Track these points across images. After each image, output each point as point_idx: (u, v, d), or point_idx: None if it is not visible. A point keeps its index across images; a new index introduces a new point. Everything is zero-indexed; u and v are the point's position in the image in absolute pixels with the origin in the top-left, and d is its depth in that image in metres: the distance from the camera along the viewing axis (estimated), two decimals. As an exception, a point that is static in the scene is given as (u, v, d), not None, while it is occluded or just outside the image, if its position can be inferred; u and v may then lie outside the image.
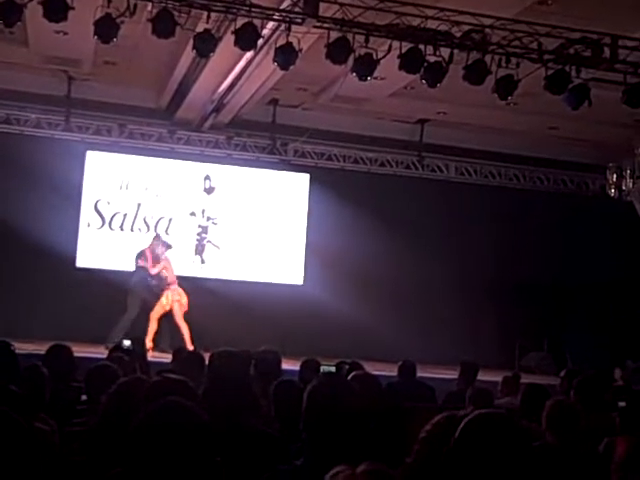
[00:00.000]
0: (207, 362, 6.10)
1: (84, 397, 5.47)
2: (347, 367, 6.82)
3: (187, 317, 13.40)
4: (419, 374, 8.72)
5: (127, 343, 8.07)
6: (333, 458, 2.60)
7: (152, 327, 13.03)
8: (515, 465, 2.54)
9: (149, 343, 12.12)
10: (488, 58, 9.85)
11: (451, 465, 2.56)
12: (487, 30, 9.64)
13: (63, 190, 14.24)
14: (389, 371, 8.89)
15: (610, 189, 15.50)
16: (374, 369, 6.96)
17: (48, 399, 4.39)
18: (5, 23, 9.00)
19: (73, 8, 8.61)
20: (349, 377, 4.97)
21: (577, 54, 9.98)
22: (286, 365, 7.31)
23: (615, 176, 15.42)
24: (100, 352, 7.72)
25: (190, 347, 12.02)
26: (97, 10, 8.87)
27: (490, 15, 9.47)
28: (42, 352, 6.48)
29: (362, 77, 9.84)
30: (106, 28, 8.99)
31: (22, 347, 6.94)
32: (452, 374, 9.13)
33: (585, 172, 16.58)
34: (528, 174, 16.48)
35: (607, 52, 10.06)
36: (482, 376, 8.75)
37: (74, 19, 8.78)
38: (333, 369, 6.74)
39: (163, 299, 13.27)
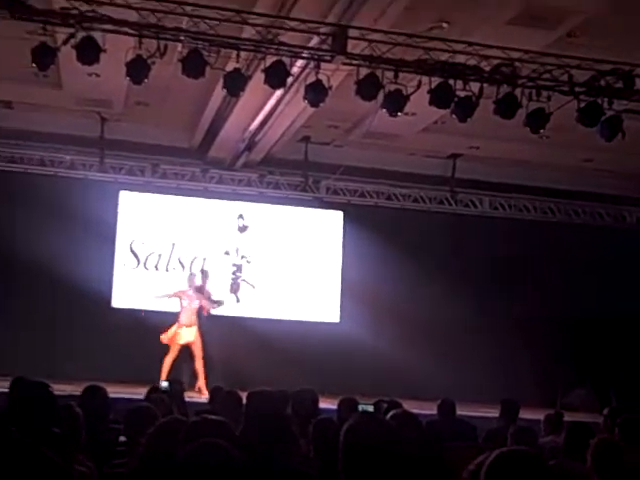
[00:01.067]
0: (244, 402, 6.07)
1: (123, 438, 5.46)
2: (386, 406, 6.73)
3: (225, 356, 13.40)
4: (460, 412, 8.57)
5: (165, 384, 8.09)
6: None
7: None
8: None
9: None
10: (518, 91, 9.82)
11: None
12: (516, 63, 9.62)
13: (98, 230, 14.34)
14: (428, 409, 8.76)
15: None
16: (412, 407, 6.84)
17: (85, 440, 4.37)
18: (39, 67, 9.14)
19: (105, 51, 8.74)
20: (388, 416, 4.89)
21: (609, 86, 9.92)
22: (324, 404, 7.24)
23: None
24: (137, 392, 7.70)
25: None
26: (128, 52, 9.00)
27: (519, 48, 9.45)
28: (79, 393, 6.46)
29: (392, 113, 9.84)
30: (137, 69, 9.10)
31: (60, 388, 6.93)
32: (492, 412, 8.98)
33: (621, 205, 16.41)
34: (563, 207, 16.33)
35: (639, 83, 9.99)
36: (523, 414, 8.58)
37: (106, 61, 8.91)
38: (371, 408, 6.66)
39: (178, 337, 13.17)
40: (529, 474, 2.57)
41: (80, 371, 11.99)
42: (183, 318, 13.19)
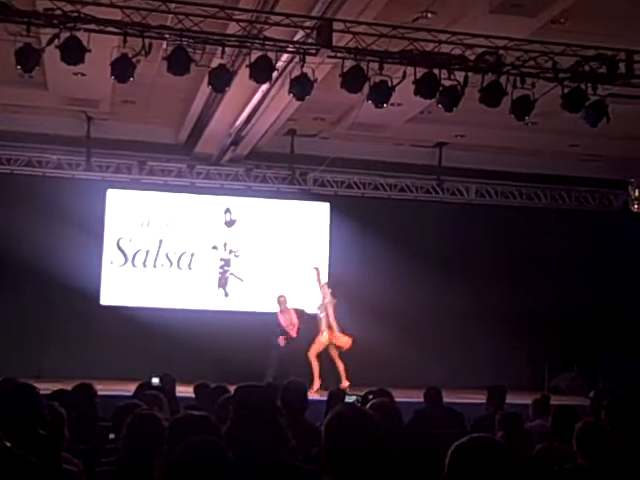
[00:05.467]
0: (233, 396, 6.09)
1: (112, 436, 5.46)
2: (371, 397, 6.74)
3: (213, 351, 13.43)
4: (448, 400, 8.61)
5: (156, 380, 8.07)
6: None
7: (315, 365, 13.20)
8: None
9: (318, 381, 12.59)
10: (503, 79, 9.81)
11: None
12: (501, 51, 9.62)
13: (86, 229, 14.37)
14: (417, 398, 8.80)
15: (633, 204, 15.37)
16: (402, 396, 6.87)
17: (73, 439, 4.37)
18: (24, 68, 9.09)
19: (90, 50, 8.72)
20: (367, 406, 4.92)
21: (593, 71, 9.92)
22: (313, 396, 7.27)
23: (637, 191, 15.28)
24: (126, 390, 7.70)
25: (345, 384, 12.54)
26: (113, 51, 8.98)
27: (503, 36, 9.46)
28: (67, 390, 6.47)
29: (378, 104, 9.83)
30: (123, 68, 9.07)
31: (48, 387, 6.94)
32: (481, 399, 9.02)
33: (607, 188, 16.46)
34: (550, 193, 16.38)
35: (623, 68, 10.01)
36: (512, 399, 8.62)
37: (91, 61, 8.87)
38: (356, 399, 6.67)
39: (321, 338, 13.45)
40: (488, 461, 2.62)
41: (69, 369, 12.01)
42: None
